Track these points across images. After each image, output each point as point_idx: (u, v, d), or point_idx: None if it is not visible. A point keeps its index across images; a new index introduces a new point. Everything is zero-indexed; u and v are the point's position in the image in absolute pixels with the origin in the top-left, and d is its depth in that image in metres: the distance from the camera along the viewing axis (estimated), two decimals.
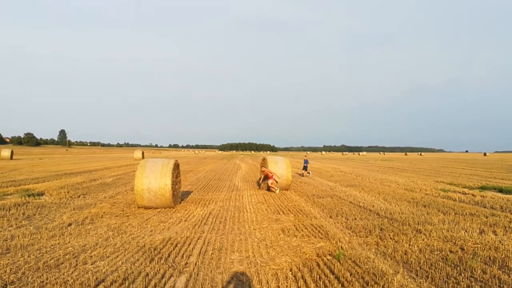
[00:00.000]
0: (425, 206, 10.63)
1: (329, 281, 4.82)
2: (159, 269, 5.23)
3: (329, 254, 6.01)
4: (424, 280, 4.87)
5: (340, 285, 4.68)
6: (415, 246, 6.46)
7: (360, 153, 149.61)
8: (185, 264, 5.51)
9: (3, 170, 23.58)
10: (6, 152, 43.56)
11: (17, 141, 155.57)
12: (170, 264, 5.47)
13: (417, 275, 5.09)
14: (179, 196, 11.50)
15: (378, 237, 7.15)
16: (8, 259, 5.56)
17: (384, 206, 10.76)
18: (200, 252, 6.15)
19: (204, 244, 6.67)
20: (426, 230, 7.65)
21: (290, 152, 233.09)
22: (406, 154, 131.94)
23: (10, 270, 5.07)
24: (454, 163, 43.73)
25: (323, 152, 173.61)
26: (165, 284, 4.70)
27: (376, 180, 19.58)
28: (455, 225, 8.13)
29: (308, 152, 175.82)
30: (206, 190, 14.91)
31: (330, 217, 9.26)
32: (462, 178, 20.88)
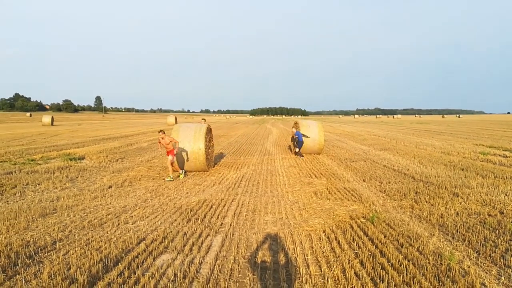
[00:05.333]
0: (463, 170, 10.30)
1: (362, 242, 4.85)
2: (196, 229, 5.44)
3: (363, 217, 6.01)
4: (460, 243, 4.80)
5: (374, 246, 4.70)
6: (452, 209, 6.33)
7: (395, 116, 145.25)
8: (221, 225, 5.69)
9: (45, 136, 24.77)
10: (47, 118, 45.61)
11: (57, 108, 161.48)
12: (206, 225, 5.67)
13: (453, 238, 5.02)
14: (212, 160, 11.72)
15: (413, 200, 7.05)
16: (56, 219, 5.94)
17: (420, 169, 10.52)
18: (234, 213, 6.32)
19: (238, 206, 6.83)
20: (463, 193, 7.45)
21: (322, 116, 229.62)
22: (443, 117, 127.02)
23: (58, 229, 5.43)
24: (494, 126, 41.71)
25: (356, 116, 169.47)
26: (202, 243, 4.89)
27: (411, 143, 19.07)
28: (494, 189, 7.86)
29: (340, 116, 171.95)
30: (238, 154, 15.10)
31: (364, 180, 9.19)
32: (503, 140, 19.92)
